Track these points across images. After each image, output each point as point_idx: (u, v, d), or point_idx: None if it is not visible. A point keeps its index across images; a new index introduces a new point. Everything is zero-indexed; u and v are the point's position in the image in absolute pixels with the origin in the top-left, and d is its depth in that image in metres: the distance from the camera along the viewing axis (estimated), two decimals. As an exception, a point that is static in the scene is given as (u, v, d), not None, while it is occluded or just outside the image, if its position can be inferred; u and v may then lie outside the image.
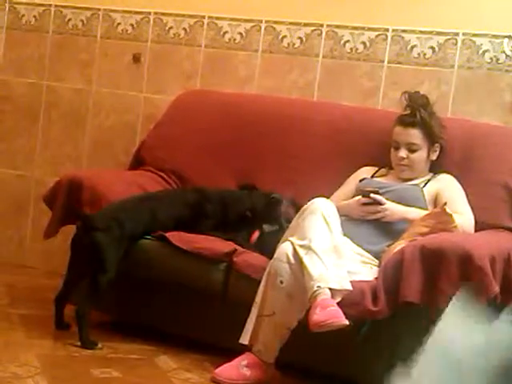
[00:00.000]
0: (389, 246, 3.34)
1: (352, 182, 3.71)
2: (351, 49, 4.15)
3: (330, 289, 3.05)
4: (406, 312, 3.07)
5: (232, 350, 3.24)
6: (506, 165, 3.60)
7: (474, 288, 2.96)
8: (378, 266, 3.30)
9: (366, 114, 3.98)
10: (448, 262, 2.99)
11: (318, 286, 3.04)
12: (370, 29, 4.11)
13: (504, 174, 3.59)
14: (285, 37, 4.29)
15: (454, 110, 3.93)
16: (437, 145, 3.63)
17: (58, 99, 4.80)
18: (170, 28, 4.53)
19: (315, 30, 4.22)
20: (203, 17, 4.46)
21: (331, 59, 4.19)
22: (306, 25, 4.24)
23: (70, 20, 4.76)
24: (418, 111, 3.59)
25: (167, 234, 3.51)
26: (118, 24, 4.65)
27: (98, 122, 4.71)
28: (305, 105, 4.13)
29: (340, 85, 4.17)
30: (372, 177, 3.71)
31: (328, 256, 3.11)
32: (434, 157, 3.64)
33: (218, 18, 4.43)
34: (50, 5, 4.80)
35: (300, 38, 4.25)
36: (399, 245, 3.23)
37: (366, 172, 3.73)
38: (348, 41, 4.15)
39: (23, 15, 4.86)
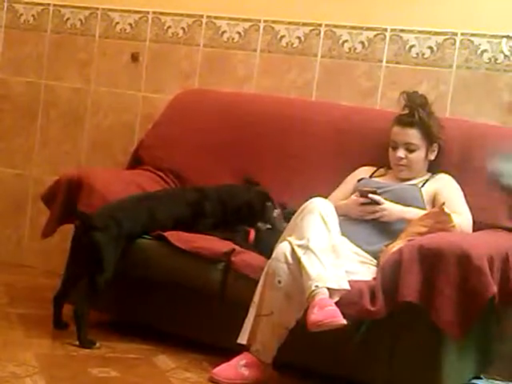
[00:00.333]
0: (387, 245, 3.34)
1: (350, 182, 3.71)
2: (349, 48, 4.15)
3: (328, 288, 3.05)
4: (404, 312, 3.07)
5: (230, 350, 3.24)
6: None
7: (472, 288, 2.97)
8: (376, 266, 3.31)
9: (365, 113, 3.98)
10: (446, 262, 3.00)
11: (316, 286, 3.04)
12: (368, 28, 4.11)
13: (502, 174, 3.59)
14: (283, 36, 4.29)
15: (452, 110, 3.93)
16: (435, 145, 3.63)
17: (57, 98, 4.80)
18: (169, 27, 4.53)
19: (314, 29, 4.22)
20: (201, 16, 4.46)
21: (330, 59, 4.19)
22: (304, 24, 4.24)
23: (68, 19, 4.76)
24: (416, 111, 3.59)
25: (166, 234, 3.51)
26: (117, 23, 4.65)
27: (96, 121, 4.71)
28: (303, 104, 4.13)
29: (338, 84, 4.17)
30: (370, 177, 3.71)
31: (326, 256, 3.11)
32: (432, 157, 3.64)
33: (216, 18, 4.43)
34: (49, 4, 4.80)
35: (298, 37, 4.25)
36: (397, 244, 3.23)
37: (364, 172, 3.73)
38: (346, 40, 4.15)
39: (22, 14, 4.86)
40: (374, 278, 3.19)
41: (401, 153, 3.59)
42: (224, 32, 4.41)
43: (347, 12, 4.15)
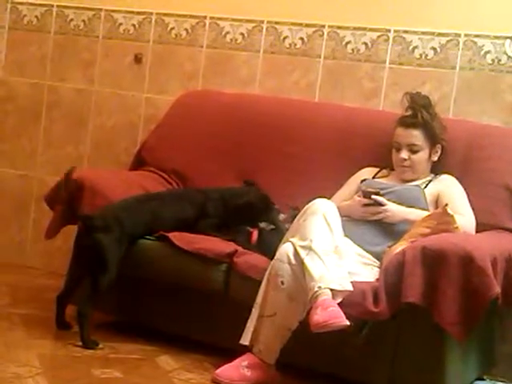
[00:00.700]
0: (390, 246, 3.34)
1: (353, 183, 3.71)
2: (353, 49, 4.15)
3: (331, 289, 3.04)
4: (407, 313, 3.07)
5: (233, 351, 3.24)
6: (507, 166, 3.60)
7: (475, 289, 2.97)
8: (379, 267, 3.30)
9: (368, 114, 3.98)
10: (449, 263, 2.99)
11: (319, 287, 3.03)
12: (371, 29, 4.10)
13: (505, 175, 3.58)
14: (286, 37, 4.29)
15: (455, 111, 3.93)
16: (438, 146, 3.63)
17: (60, 99, 4.80)
18: (172, 28, 4.53)
19: (317, 30, 4.22)
20: (205, 17, 4.46)
21: (333, 60, 4.19)
22: (307, 25, 4.24)
23: (71, 20, 4.76)
24: (419, 112, 3.59)
25: (168, 235, 3.51)
26: (120, 24, 4.65)
27: (99, 122, 4.71)
28: (306, 105, 4.13)
29: (342, 85, 4.17)
30: (373, 178, 3.70)
31: (329, 257, 3.11)
32: (435, 158, 3.64)
33: (219, 19, 4.43)
34: (52, 5, 4.80)
35: (302, 38, 4.25)
36: (400, 246, 3.23)
37: (367, 173, 3.73)
38: (349, 41, 4.15)
39: (25, 15, 4.87)
40: (377, 279, 3.19)
41: (404, 154, 3.59)
42: (227, 33, 4.41)
43: (350, 13, 4.15)
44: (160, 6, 4.56)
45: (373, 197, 3.46)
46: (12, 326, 3.62)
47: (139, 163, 4.23)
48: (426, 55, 4.00)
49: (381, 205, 3.46)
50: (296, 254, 3.14)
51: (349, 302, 3.07)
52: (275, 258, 3.20)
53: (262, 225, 3.61)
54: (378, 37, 4.09)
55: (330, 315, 2.96)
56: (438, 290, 2.99)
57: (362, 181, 3.67)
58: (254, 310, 3.19)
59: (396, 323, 3.11)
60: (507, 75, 3.85)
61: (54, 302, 3.57)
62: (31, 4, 4.85)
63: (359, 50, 4.13)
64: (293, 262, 3.14)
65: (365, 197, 3.49)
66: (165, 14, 4.55)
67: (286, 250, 3.18)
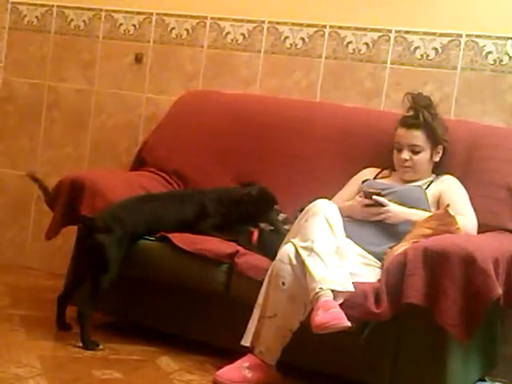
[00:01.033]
0: (391, 247, 3.33)
1: (355, 184, 3.70)
2: (354, 50, 4.14)
3: (333, 290, 3.04)
4: (408, 314, 3.06)
5: (234, 352, 3.23)
6: (509, 166, 3.60)
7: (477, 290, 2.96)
8: (381, 268, 3.30)
9: (369, 115, 3.97)
10: (451, 264, 2.99)
11: (321, 288, 3.03)
12: (372, 30, 4.10)
13: (507, 175, 3.58)
14: (287, 37, 4.28)
15: (456, 112, 3.92)
16: (440, 146, 3.62)
17: (60, 99, 4.80)
18: (172, 29, 4.53)
19: (318, 30, 4.21)
20: (205, 17, 4.46)
21: (334, 60, 4.19)
22: (308, 25, 4.23)
23: (72, 20, 4.76)
24: (421, 113, 3.58)
25: (169, 235, 3.50)
26: (120, 24, 4.65)
27: (99, 122, 4.71)
28: (307, 106, 4.13)
29: (343, 86, 4.16)
30: (375, 178, 3.70)
31: (330, 258, 3.11)
32: (436, 158, 3.64)
33: (220, 19, 4.43)
34: (52, 5, 4.80)
35: (302, 38, 4.25)
36: (402, 246, 3.22)
37: (368, 173, 3.72)
38: (351, 42, 4.15)
39: (25, 15, 4.86)
40: (379, 280, 3.18)
41: (405, 154, 3.58)
42: (228, 33, 4.41)
43: (351, 13, 4.14)
44: (160, 6, 4.56)
45: (374, 197, 3.46)
46: (12, 327, 3.62)
47: (139, 163, 4.23)
48: (428, 55, 4.00)
49: (382, 205, 3.45)
50: (297, 254, 3.13)
51: (350, 303, 3.07)
52: (276, 258, 3.19)
53: (262, 225, 3.61)
54: (380, 37, 4.09)
55: (331, 316, 2.95)
56: (440, 291, 2.99)
57: (364, 181, 3.67)
58: (255, 310, 3.19)
59: (397, 324, 3.10)
60: (509, 75, 3.85)
61: (54, 302, 3.57)
62: (31, 4, 4.84)
63: (360, 50, 4.13)
64: (294, 262, 3.14)
65: (366, 197, 3.49)
66: (165, 14, 4.54)
67: (287, 250, 3.18)
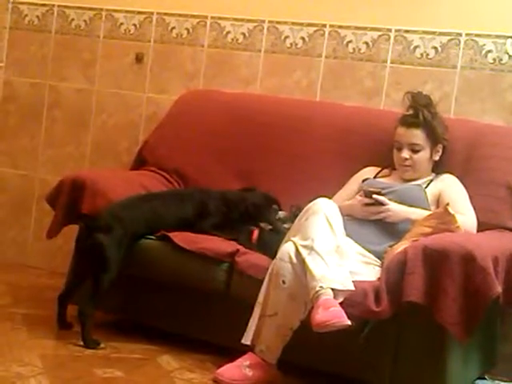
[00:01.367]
0: (391, 246, 3.34)
1: (355, 183, 3.71)
2: (354, 49, 4.15)
3: (333, 289, 3.04)
4: (408, 312, 3.07)
5: (234, 350, 3.24)
6: (508, 165, 3.60)
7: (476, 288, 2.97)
8: (381, 267, 3.30)
9: (369, 114, 3.98)
10: (451, 263, 2.99)
11: (321, 287, 3.03)
12: (372, 29, 4.11)
13: (507, 174, 3.58)
14: (287, 37, 4.29)
15: (456, 111, 3.93)
16: (439, 145, 3.63)
17: (61, 99, 4.80)
18: (173, 28, 4.53)
19: (318, 30, 4.22)
20: (206, 17, 4.46)
21: (334, 59, 4.19)
22: (308, 25, 4.24)
23: (72, 20, 4.77)
24: (420, 112, 3.59)
25: (170, 234, 3.51)
26: (121, 24, 4.65)
27: (100, 121, 4.71)
28: (307, 105, 4.13)
29: (343, 85, 4.17)
30: (375, 177, 3.71)
31: (330, 256, 3.11)
32: (436, 157, 3.64)
33: (220, 18, 4.43)
34: (53, 5, 4.80)
35: (303, 38, 4.25)
36: (402, 245, 3.23)
37: (368, 172, 3.73)
38: (351, 41, 4.15)
39: (26, 15, 4.87)
40: (379, 279, 3.19)
41: (405, 153, 3.59)
42: (228, 33, 4.41)
43: (351, 12, 4.15)
44: (161, 5, 4.56)
45: (374, 196, 3.46)
46: (14, 326, 3.62)
47: (140, 163, 4.24)
48: (427, 54, 4.00)
49: (382, 204, 3.46)
50: (297, 253, 3.14)
51: (350, 302, 3.07)
52: (277, 257, 3.20)
53: (262, 224, 3.61)
54: (379, 36, 4.09)
55: (331, 315, 2.96)
56: (440, 290, 2.99)
57: (364, 180, 3.67)
58: (255, 309, 3.19)
59: (397, 322, 3.11)
60: (508, 74, 3.85)
61: (55, 301, 3.58)
62: (32, 4, 4.85)
63: (360, 49, 4.13)
64: (294, 261, 3.14)
65: (366, 196, 3.49)
66: (166, 14, 4.55)
67: (287, 249, 3.18)
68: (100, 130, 4.71)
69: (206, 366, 3.37)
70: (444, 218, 3.25)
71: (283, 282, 3.15)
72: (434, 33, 3.99)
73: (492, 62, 3.88)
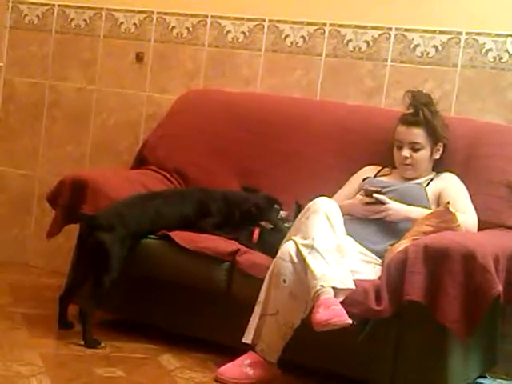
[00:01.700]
0: (392, 245, 3.34)
1: (355, 181, 3.70)
2: (354, 48, 4.14)
3: (333, 288, 3.05)
4: (409, 311, 3.07)
5: (235, 349, 3.24)
6: (509, 164, 3.60)
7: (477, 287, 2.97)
8: (381, 265, 3.30)
9: (369, 112, 3.97)
10: (451, 261, 2.99)
11: (321, 285, 3.04)
12: (373, 28, 4.10)
13: (507, 172, 3.58)
14: (288, 36, 4.28)
15: (457, 109, 3.93)
16: (440, 144, 3.63)
17: (61, 98, 4.80)
18: (173, 27, 4.53)
19: (318, 28, 4.21)
20: (206, 16, 4.46)
21: (334, 58, 4.19)
22: (309, 24, 4.24)
23: (73, 19, 4.77)
24: (421, 110, 3.59)
25: (171, 233, 3.51)
26: (121, 23, 4.65)
27: (100, 121, 4.71)
28: (308, 104, 4.13)
29: (343, 84, 4.17)
30: (375, 176, 3.70)
31: (331, 255, 3.11)
32: (437, 156, 3.64)
33: (221, 18, 4.43)
34: (53, 4, 4.80)
35: (303, 36, 4.25)
36: (402, 244, 3.23)
37: (369, 171, 3.73)
38: (351, 40, 4.15)
39: (26, 15, 4.87)
40: (379, 278, 3.19)
41: (406, 152, 3.59)
42: (229, 32, 4.41)
43: (352, 11, 4.15)
44: (161, 4, 4.56)
45: (374, 195, 3.46)
46: (14, 326, 3.62)
47: (141, 162, 4.23)
48: (428, 53, 4.00)
49: (382, 203, 3.46)
50: (298, 252, 3.14)
51: (351, 301, 3.07)
52: (277, 256, 3.20)
53: (263, 224, 3.61)
54: (380, 35, 4.09)
55: (332, 314, 2.96)
56: (440, 288, 2.99)
57: (364, 179, 3.67)
58: (256, 308, 3.19)
59: (398, 321, 3.11)
60: (509, 73, 3.85)
61: (55, 300, 3.58)
62: (32, 3, 4.85)
63: (361, 48, 4.13)
64: (295, 260, 3.15)
65: (366, 195, 3.49)
66: (166, 13, 4.55)
67: (288, 248, 3.18)
68: (100, 130, 4.71)
69: (207, 364, 3.37)
70: (444, 217, 3.25)
71: (284, 281, 3.15)
72: (434, 31, 3.99)
73: (492, 60, 3.88)
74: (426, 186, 3.57)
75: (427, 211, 3.39)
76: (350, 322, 2.98)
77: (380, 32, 4.09)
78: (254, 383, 3.17)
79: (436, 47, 3.99)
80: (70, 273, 3.67)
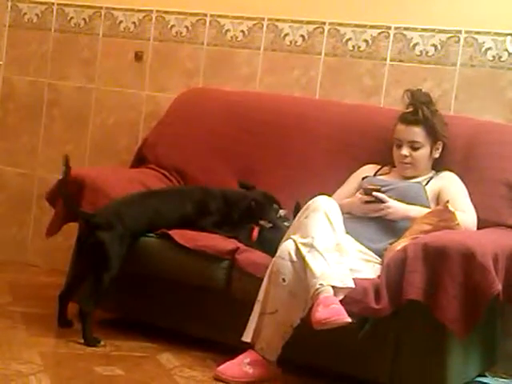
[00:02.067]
0: (391, 243, 3.34)
1: (355, 180, 3.71)
2: (353, 46, 4.15)
3: (333, 286, 3.05)
4: (408, 310, 3.07)
5: (235, 348, 3.24)
6: (508, 162, 3.60)
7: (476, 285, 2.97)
8: (381, 264, 3.30)
9: (369, 111, 3.98)
10: (451, 260, 2.99)
11: (321, 284, 3.04)
12: (372, 26, 4.10)
13: (506, 171, 3.58)
14: (287, 35, 4.28)
15: (456, 108, 3.93)
16: (439, 143, 3.63)
17: (61, 97, 4.80)
18: (172, 26, 4.53)
19: (317, 27, 4.21)
20: (205, 15, 4.46)
21: (333, 57, 4.19)
22: (308, 22, 4.24)
23: (72, 18, 4.76)
24: (420, 109, 3.59)
25: (170, 232, 3.51)
26: (120, 22, 4.65)
27: (100, 120, 4.71)
28: (307, 103, 4.13)
29: (342, 83, 4.17)
30: (374, 175, 3.71)
31: (330, 254, 3.12)
32: (436, 155, 3.64)
33: (220, 16, 4.43)
34: (53, 3, 4.80)
35: (302, 35, 4.25)
36: (402, 243, 3.23)
37: (368, 170, 3.73)
38: (350, 38, 4.15)
39: (25, 13, 4.87)
40: (379, 276, 3.19)
41: (405, 151, 3.59)
42: (228, 30, 4.41)
43: (351, 10, 4.15)
44: (160, 3, 4.56)
45: (374, 194, 3.46)
46: (13, 324, 3.62)
47: (140, 161, 4.24)
48: (427, 52, 4.00)
49: (382, 202, 3.46)
50: (297, 251, 3.14)
51: (350, 299, 3.07)
52: (277, 255, 3.20)
53: (262, 222, 3.61)
54: (379, 34, 4.09)
55: (331, 312, 2.97)
56: (440, 287, 3.00)
57: (364, 178, 3.67)
58: (255, 307, 3.19)
59: (397, 320, 3.11)
60: (508, 72, 3.85)
61: (55, 299, 3.58)
62: (31, 2, 4.85)
63: (360, 47, 4.13)
64: (294, 259, 3.15)
65: (366, 194, 3.49)
66: (165, 12, 4.55)
67: (287, 247, 3.18)
68: (99, 129, 4.71)
69: (207, 363, 3.37)
70: (444, 216, 3.25)
71: (283, 280, 3.15)
72: (433, 30, 3.99)
73: (491, 59, 3.88)
74: (426, 184, 3.57)
75: (426, 210, 3.40)
76: (350, 320, 2.98)
77: (379, 31, 4.09)
78: (254, 382, 3.17)
79: (435, 46, 3.99)
80: (70, 271, 3.67)
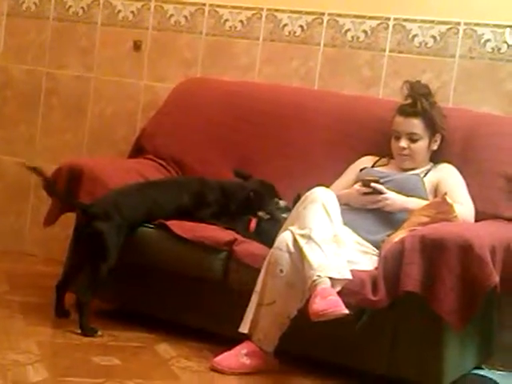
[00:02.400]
0: (389, 235, 3.34)
1: (353, 172, 3.70)
2: (352, 37, 4.14)
3: (330, 278, 3.05)
4: (405, 301, 3.07)
5: (232, 339, 3.24)
6: (506, 155, 3.60)
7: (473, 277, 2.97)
8: (378, 256, 3.31)
9: (367, 103, 3.97)
10: (448, 252, 3.00)
11: (318, 275, 3.04)
12: (371, 17, 4.09)
13: (505, 163, 3.58)
14: (286, 25, 4.27)
15: (455, 100, 3.92)
16: (438, 135, 3.62)
17: (59, 86, 4.79)
18: (171, 15, 4.52)
19: (316, 18, 4.20)
20: (204, 4, 4.45)
21: (332, 48, 4.18)
22: (307, 13, 4.23)
23: (70, 7, 4.75)
24: (419, 101, 3.58)
25: (168, 223, 3.51)
26: (119, 11, 4.63)
27: (98, 109, 4.70)
28: (306, 93, 4.13)
29: (341, 73, 4.16)
30: (373, 166, 3.70)
31: (328, 245, 3.12)
32: (434, 147, 3.64)
33: (218, 6, 4.42)
34: (51, -8, 4.79)
35: (301, 26, 4.24)
36: (399, 234, 3.23)
37: (366, 161, 3.73)
38: (349, 29, 4.14)
39: (23, 2, 4.85)
40: (376, 268, 3.19)
41: (403, 143, 3.59)
42: (226, 20, 4.40)
43: (350, 1, 4.14)
44: (159, -7, 4.56)
45: (372, 185, 3.46)
46: (11, 314, 3.62)
47: (138, 151, 4.23)
48: (426, 43, 3.99)
49: (380, 193, 3.46)
50: (295, 242, 3.14)
51: (348, 291, 3.08)
52: (274, 246, 3.20)
53: (260, 213, 3.61)
54: (378, 25, 4.08)
55: (329, 304, 2.97)
56: (437, 279, 3.00)
57: (362, 169, 3.67)
58: (253, 298, 3.20)
59: (394, 312, 3.11)
60: (507, 64, 3.84)
61: (52, 289, 3.58)
62: (30, -10, 4.84)
63: (359, 37, 4.12)
64: (292, 250, 3.15)
65: (364, 185, 3.49)
66: (164, 1, 4.53)
67: (285, 238, 3.18)
68: (98, 118, 4.70)
69: (204, 354, 3.37)
70: (442, 208, 3.25)
71: (281, 271, 3.15)
72: (432, 22, 3.98)
73: (490, 51, 3.87)
74: (424, 176, 3.57)
75: (424, 202, 3.40)
76: (347, 312, 2.98)
77: (378, 22, 4.08)
78: (251, 373, 3.18)
79: (434, 37, 3.98)
80: (67, 261, 3.67)
